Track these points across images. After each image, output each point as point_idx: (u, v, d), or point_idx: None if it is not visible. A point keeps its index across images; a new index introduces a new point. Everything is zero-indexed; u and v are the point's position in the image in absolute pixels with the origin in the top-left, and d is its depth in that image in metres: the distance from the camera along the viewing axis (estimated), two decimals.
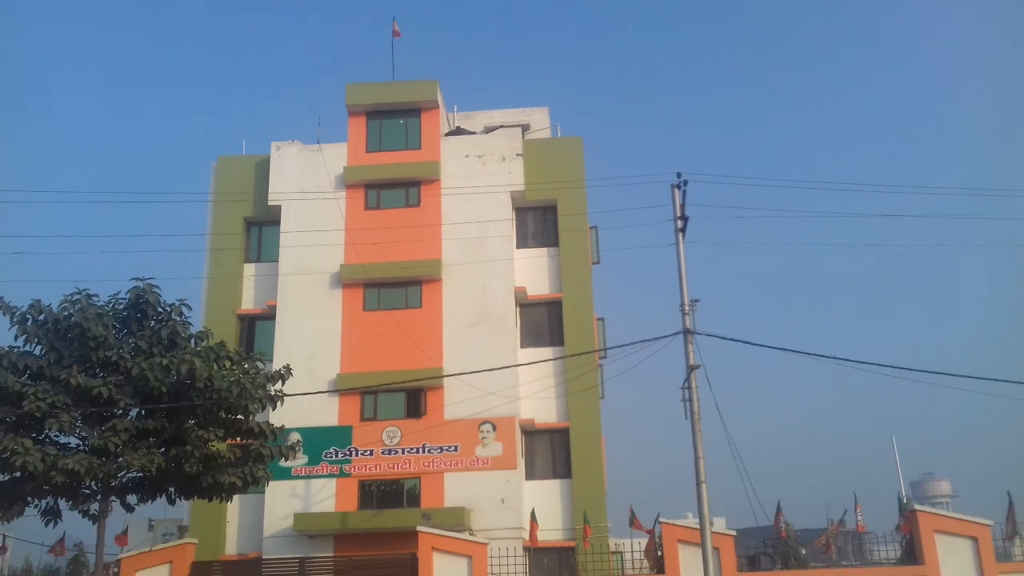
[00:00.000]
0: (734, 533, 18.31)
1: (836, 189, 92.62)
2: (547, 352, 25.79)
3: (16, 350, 16.92)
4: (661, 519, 18.39)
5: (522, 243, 27.52)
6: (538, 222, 27.84)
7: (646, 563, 18.90)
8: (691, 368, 16.93)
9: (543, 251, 27.38)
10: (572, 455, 25.09)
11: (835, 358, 17.32)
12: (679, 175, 17.69)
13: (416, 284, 26.16)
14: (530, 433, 25.77)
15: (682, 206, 17.65)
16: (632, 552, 19.80)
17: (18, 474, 16.44)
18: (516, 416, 24.70)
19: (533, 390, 24.73)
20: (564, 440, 25.46)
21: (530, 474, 25.43)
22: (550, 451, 25.82)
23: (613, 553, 22.24)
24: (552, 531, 24.00)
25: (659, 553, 18.22)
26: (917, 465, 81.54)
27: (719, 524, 18.61)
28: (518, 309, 26.59)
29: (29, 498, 17.32)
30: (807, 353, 17.81)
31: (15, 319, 16.83)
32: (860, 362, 17.55)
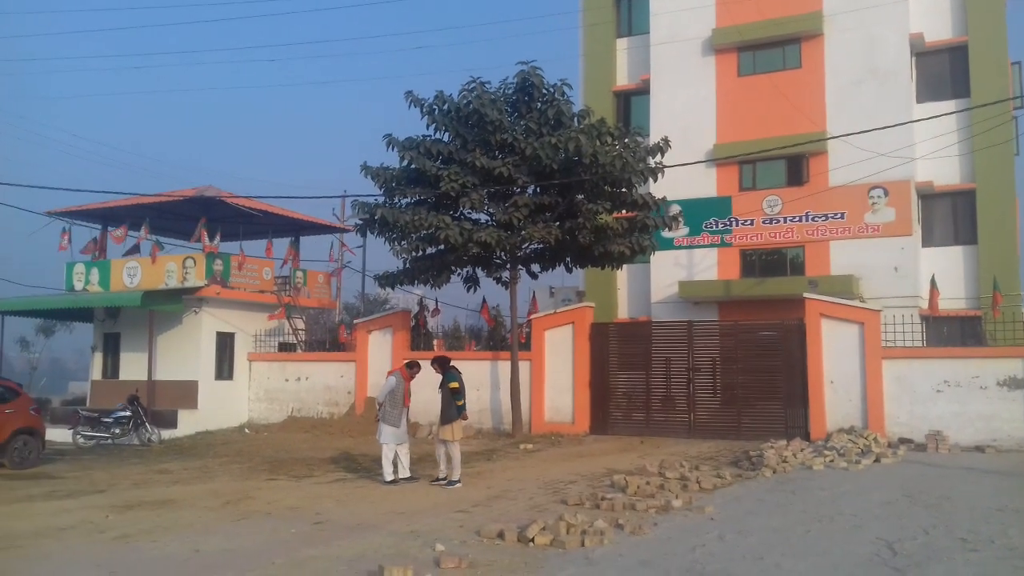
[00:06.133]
0: None
1: None
2: (948, 105, 23.00)
3: (428, 138, 18.88)
4: None
5: None
6: None
7: None
8: None
9: None
10: (978, 219, 22.82)
11: None
12: None
13: (794, 42, 24.35)
14: (927, 196, 23.72)
15: None
16: None
17: (442, 247, 18.93)
18: (911, 179, 22.77)
19: (931, 149, 22.43)
20: (969, 203, 23.14)
21: (927, 241, 23.70)
22: (951, 215, 23.69)
23: None
24: (953, 300, 22.45)
25: None
26: None
27: None
28: (913, 59, 23.74)
29: (452, 267, 19.92)
30: None
31: (424, 109, 18.68)
32: None
